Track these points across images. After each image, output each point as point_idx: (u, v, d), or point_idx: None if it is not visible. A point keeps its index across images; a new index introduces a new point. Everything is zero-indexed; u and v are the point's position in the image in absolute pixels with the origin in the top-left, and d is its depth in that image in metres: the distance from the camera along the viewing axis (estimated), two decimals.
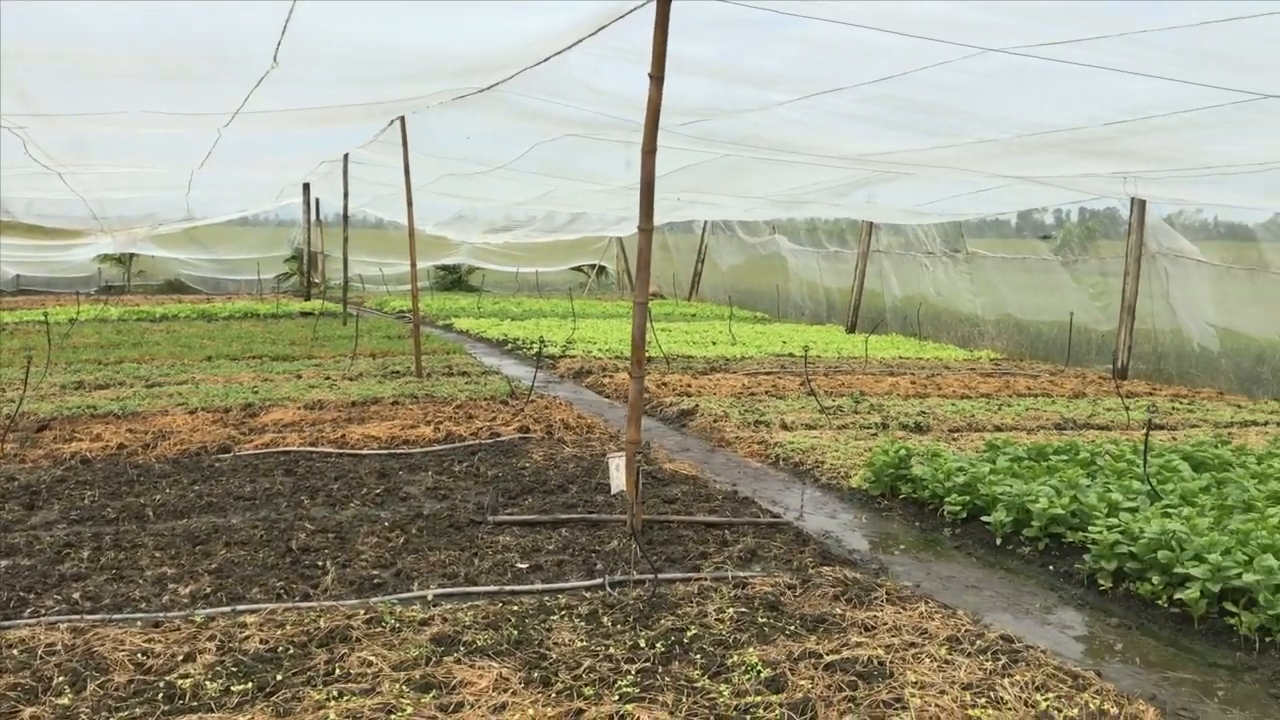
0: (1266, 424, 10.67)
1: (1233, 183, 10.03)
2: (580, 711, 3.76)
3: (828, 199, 16.35)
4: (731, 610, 4.81)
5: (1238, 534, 5.42)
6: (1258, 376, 13.73)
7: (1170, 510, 6.05)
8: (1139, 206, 14.45)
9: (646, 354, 14.61)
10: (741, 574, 5.45)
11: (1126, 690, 4.23)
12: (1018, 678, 4.11)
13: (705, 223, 27.35)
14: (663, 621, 4.67)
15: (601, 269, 32.15)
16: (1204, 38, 5.39)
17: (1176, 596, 5.15)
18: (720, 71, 8.00)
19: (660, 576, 5.30)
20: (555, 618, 4.70)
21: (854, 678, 4.06)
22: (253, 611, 4.72)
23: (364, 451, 8.19)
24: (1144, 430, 7.39)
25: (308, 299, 25.12)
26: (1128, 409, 11.03)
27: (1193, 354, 14.37)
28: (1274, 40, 5.36)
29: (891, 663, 4.21)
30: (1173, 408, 11.56)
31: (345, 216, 18.08)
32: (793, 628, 4.64)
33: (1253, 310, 13.89)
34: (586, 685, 3.97)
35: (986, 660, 4.29)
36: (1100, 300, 16.05)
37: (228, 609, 4.79)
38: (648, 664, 4.20)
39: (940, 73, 6.58)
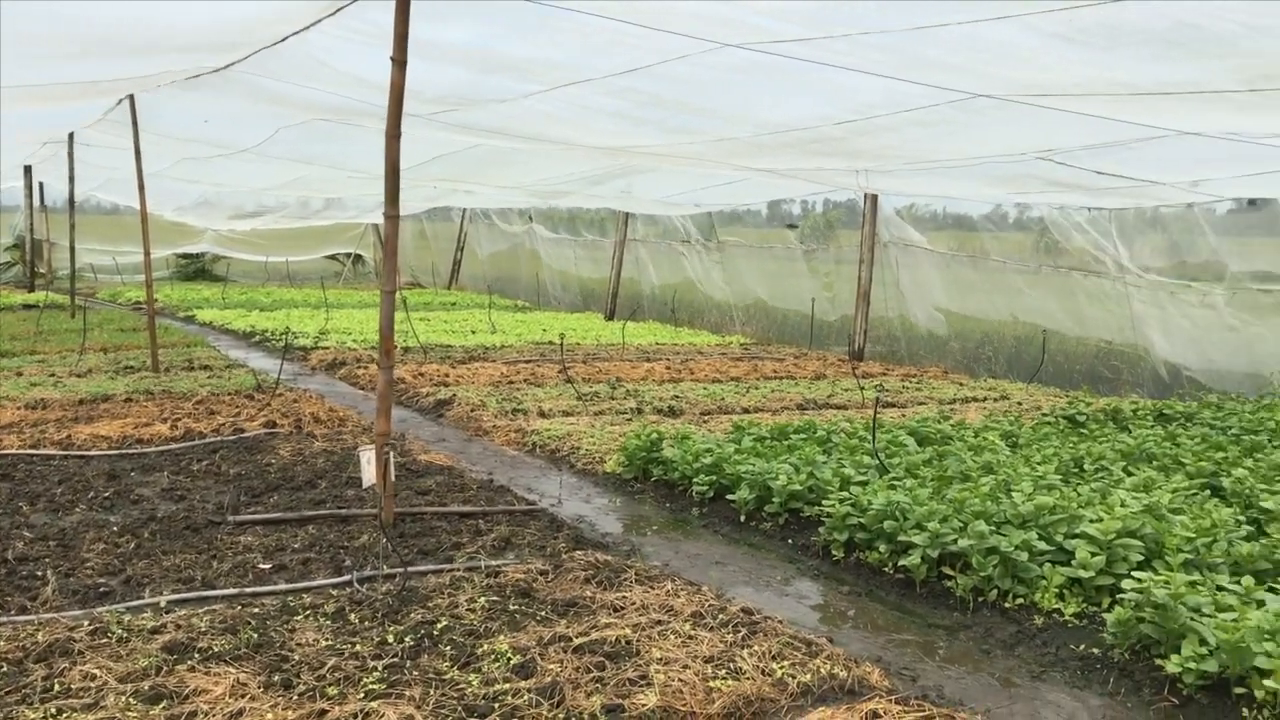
0: (985, 400, 11.59)
1: (955, 175, 10.81)
2: (323, 712, 3.66)
3: (585, 189, 16.52)
4: (484, 599, 4.81)
5: (954, 503, 5.86)
6: (980, 356, 14.89)
7: (896, 483, 6.48)
8: (872, 199, 15.35)
9: (405, 344, 14.35)
10: (495, 563, 5.45)
11: (856, 654, 4.51)
12: (756, 648, 4.30)
13: (464, 211, 27.07)
14: (413, 615, 4.61)
15: (358, 257, 31.25)
16: (919, 42, 5.78)
17: (901, 563, 5.53)
18: (471, 58, 7.93)
19: (411, 569, 5.24)
20: (299, 618, 4.56)
21: (602, 658, 4.15)
22: None
23: (92, 453, 7.66)
24: (873, 409, 7.88)
25: (31, 290, 23.31)
26: (862, 389, 11.71)
27: (922, 336, 15.43)
28: (977, 48, 5.80)
29: (638, 641, 4.32)
30: (903, 387, 12.37)
31: (71, 201, 16.81)
32: (544, 613, 4.68)
33: (976, 295, 15.05)
34: (330, 685, 3.87)
35: (728, 633, 4.47)
36: (829, 291, 16.98)
37: None
38: (396, 659, 4.14)
39: (680, 66, 6.75)
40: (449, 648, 4.27)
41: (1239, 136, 7.67)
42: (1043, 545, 5.40)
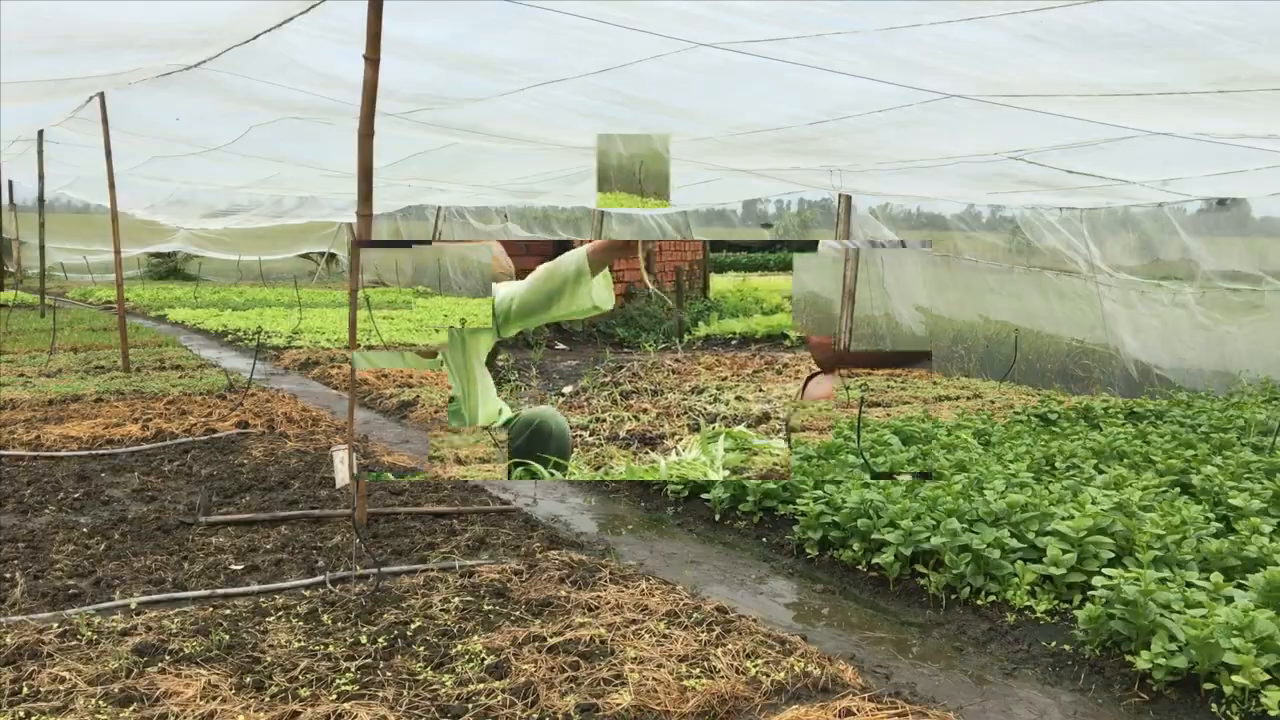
0: (958, 399, 11.65)
1: (928, 175, 10.86)
2: (295, 714, 3.64)
3: (560, 188, 16.50)
4: (458, 600, 4.80)
5: (927, 501, 5.88)
6: (953, 355, 14.97)
7: (870, 481, 6.50)
8: (846, 199, 15.39)
9: (369, 344, 14.27)
10: (469, 563, 5.44)
11: (829, 652, 4.52)
12: (730, 647, 4.31)
13: (439, 209, 26.95)
14: (386, 616, 4.59)
15: (332, 256, 31.08)
16: (891, 42, 5.81)
17: (874, 561, 5.55)
18: (445, 57, 7.90)
19: (385, 570, 5.21)
20: (271, 619, 4.53)
21: (576, 658, 4.14)
22: None
23: (62, 453, 7.59)
24: (858, 408, 7.92)
25: (0, 289, 23.06)
26: (846, 388, 11.75)
27: (904, 335, 15.48)
28: (949, 49, 5.84)
29: (613, 641, 4.32)
30: (886, 385, 12.41)
31: (41, 199, 16.67)
32: (518, 613, 4.67)
33: (949, 294, 15.11)
34: (303, 686, 3.85)
35: (702, 632, 4.48)
36: None
37: None
38: (369, 660, 4.13)
39: (655, 66, 6.76)
40: (422, 648, 4.25)
41: (1208, 137, 7.74)
42: (1015, 543, 5.43)
